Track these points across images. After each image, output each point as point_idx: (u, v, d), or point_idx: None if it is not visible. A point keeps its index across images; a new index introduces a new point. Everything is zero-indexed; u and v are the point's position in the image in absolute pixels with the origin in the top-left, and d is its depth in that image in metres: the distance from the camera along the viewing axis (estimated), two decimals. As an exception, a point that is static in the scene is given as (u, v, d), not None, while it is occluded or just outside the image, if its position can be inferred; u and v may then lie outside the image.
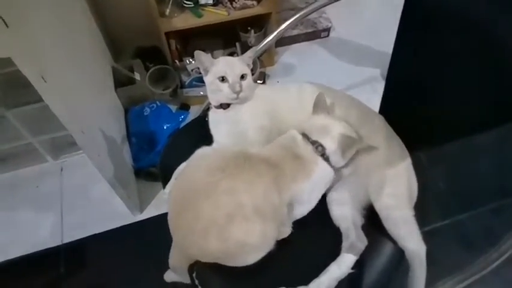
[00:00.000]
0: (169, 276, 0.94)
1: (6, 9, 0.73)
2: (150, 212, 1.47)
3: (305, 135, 0.78)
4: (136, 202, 1.46)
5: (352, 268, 0.76)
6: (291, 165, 0.73)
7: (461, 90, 0.82)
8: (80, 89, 1.20)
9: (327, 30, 2.06)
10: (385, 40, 0.95)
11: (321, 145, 0.76)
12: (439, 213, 1.48)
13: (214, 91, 0.85)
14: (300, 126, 0.80)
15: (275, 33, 1.11)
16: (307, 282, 0.74)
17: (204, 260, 0.72)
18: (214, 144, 0.91)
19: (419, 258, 0.81)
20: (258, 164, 0.72)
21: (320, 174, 0.75)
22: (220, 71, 0.83)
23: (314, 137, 0.77)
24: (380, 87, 1.03)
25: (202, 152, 0.87)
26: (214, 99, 0.87)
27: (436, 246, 1.37)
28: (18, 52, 0.78)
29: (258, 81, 1.85)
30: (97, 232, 1.43)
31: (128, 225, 1.43)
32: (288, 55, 2.01)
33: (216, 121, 0.91)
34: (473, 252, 1.32)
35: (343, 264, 0.76)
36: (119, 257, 1.37)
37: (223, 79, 0.83)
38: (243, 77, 0.84)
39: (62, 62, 1.07)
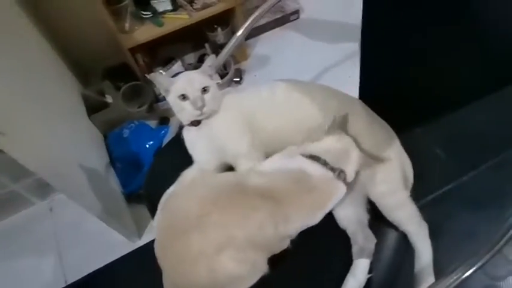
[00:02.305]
0: None
1: None
2: (148, 236, 1.43)
3: (321, 160, 0.72)
4: (133, 229, 1.42)
5: (369, 272, 0.73)
6: (305, 199, 0.70)
7: (444, 54, 0.77)
8: (49, 129, 1.14)
9: (296, 12, 1.99)
10: (358, 12, 0.89)
11: (343, 171, 0.72)
12: (442, 180, 1.45)
13: (178, 111, 0.81)
14: (305, 147, 0.75)
15: (241, 31, 1.04)
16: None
17: None
18: (195, 165, 0.86)
19: (423, 238, 0.79)
20: (254, 197, 0.67)
21: (337, 199, 0.73)
22: (179, 89, 0.78)
23: (336, 164, 0.72)
24: (360, 62, 0.98)
25: (188, 177, 0.83)
26: (181, 118, 0.83)
27: (442, 213, 1.35)
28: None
29: (235, 79, 1.79)
30: (99, 266, 1.39)
31: (128, 254, 1.39)
32: (261, 46, 1.95)
33: (192, 140, 0.86)
34: (482, 213, 1.29)
35: (359, 273, 0.73)
36: (125, 287, 1.33)
37: (184, 97, 0.78)
38: (205, 89, 0.78)
39: (23, 110, 1.01)
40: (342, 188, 0.72)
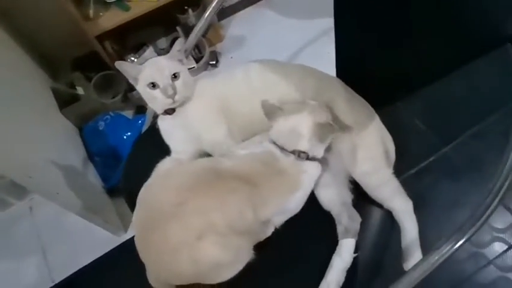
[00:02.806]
0: None
1: None
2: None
3: (280, 147, 0.71)
4: (118, 223, 1.39)
5: (355, 252, 0.73)
6: (276, 181, 0.68)
7: (418, 28, 0.76)
8: (16, 128, 1.08)
9: (269, -12, 1.93)
10: None
11: (302, 152, 0.70)
12: (423, 152, 1.47)
13: (150, 100, 0.77)
14: (265, 136, 0.74)
15: (208, 11, 0.99)
16: (314, 281, 0.70)
17: (177, 282, 0.68)
18: (173, 154, 0.83)
19: (408, 214, 0.80)
20: (230, 180, 0.66)
21: (310, 179, 0.71)
22: (148, 77, 0.75)
23: (290, 147, 0.70)
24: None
25: (163, 167, 0.81)
26: (154, 107, 0.79)
27: (426, 186, 1.37)
28: None
29: (211, 62, 1.74)
30: (86, 263, 1.37)
31: (114, 249, 1.37)
32: (235, 26, 1.89)
33: (167, 129, 0.84)
34: (464, 181, 1.32)
35: (344, 253, 0.73)
36: (114, 282, 1.31)
37: (154, 85, 0.74)
38: (175, 76, 0.74)
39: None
40: (312, 168, 0.71)
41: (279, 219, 0.71)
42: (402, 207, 0.79)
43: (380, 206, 0.80)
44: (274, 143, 0.72)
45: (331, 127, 0.71)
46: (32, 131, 1.19)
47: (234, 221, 0.64)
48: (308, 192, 0.72)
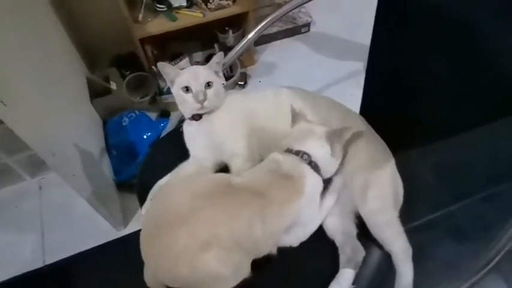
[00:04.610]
0: None
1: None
2: (134, 225, 1.43)
3: (288, 150, 0.74)
4: (120, 217, 1.42)
5: (353, 283, 0.73)
6: (281, 188, 0.69)
7: (445, 82, 0.79)
8: (50, 106, 1.14)
9: (307, 25, 2.02)
10: (367, 32, 0.91)
11: (305, 153, 0.72)
12: (430, 207, 1.46)
13: (181, 102, 0.82)
14: (280, 145, 0.76)
15: (251, 34, 1.06)
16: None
17: (171, 284, 0.68)
18: (190, 159, 0.87)
19: (405, 260, 0.79)
20: (241, 193, 0.68)
21: (312, 186, 0.71)
22: (183, 81, 0.79)
23: (296, 147, 0.73)
24: (363, 81, 0.99)
25: (184, 170, 0.84)
26: (183, 110, 0.84)
27: (428, 240, 1.35)
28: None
29: (239, 83, 1.81)
30: (80, 250, 1.38)
31: (111, 241, 1.38)
32: (269, 53, 1.97)
33: (191, 134, 0.87)
34: (467, 244, 1.30)
35: (343, 281, 0.73)
36: (104, 275, 1.31)
37: (187, 89, 0.79)
38: (209, 85, 0.79)
39: (27, 82, 1.02)
40: (313, 176, 0.72)
41: (291, 238, 0.71)
42: (401, 251, 0.79)
43: (380, 246, 0.81)
44: (285, 149, 0.74)
45: (342, 132, 0.72)
46: (62, 112, 1.25)
47: (241, 236, 0.65)
48: (313, 203, 0.72)
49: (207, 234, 0.63)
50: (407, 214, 0.86)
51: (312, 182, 0.72)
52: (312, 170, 0.72)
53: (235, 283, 0.66)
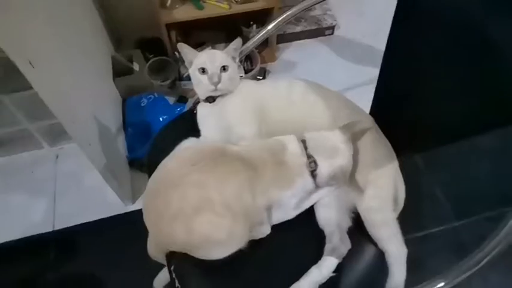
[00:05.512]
0: (158, 283, 0.97)
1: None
2: (142, 202, 1.47)
3: (303, 143, 0.76)
4: (129, 192, 1.46)
5: (334, 271, 0.75)
6: (273, 171, 0.72)
7: (457, 92, 0.79)
8: (75, 77, 1.19)
9: (332, 28, 2.03)
10: None
11: (315, 162, 0.74)
12: (434, 219, 1.46)
13: (196, 83, 0.85)
14: (303, 133, 0.78)
15: (271, 26, 1.07)
16: (287, 285, 0.73)
17: (171, 248, 0.72)
18: (201, 139, 0.90)
19: (399, 261, 0.80)
20: (233, 161, 0.71)
21: (302, 187, 0.75)
22: (200, 63, 0.83)
23: (314, 152, 0.75)
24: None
25: (186, 144, 0.87)
26: (198, 91, 0.87)
27: (428, 251, 1.35)
28: (4, 37, 0.77)
29: (258, 77, 1.83)
30: (88, 220, 1.44)
31: (118, 215, 1.43)
32: (290, 52, 1.99)
33: (203, 115, 0.90)
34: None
35: (324, 268, 0.75)
36: (107, 247, 1.37)
37: (203, 71, 0.82)
38: (224, 68, 0.83)
39: (55, 49, 1.06)
40: (306, 179, 0.74)
41: (276, 216, 0.74)
42: (396, 251, 0.80)
43: (376, 244, 0.82)
44: (303, 139, 0.76)
45: (345, 177, 0.76)
46: (85, 85, 1.30)
47: (231, 201, 0.67)
48: (297, 198, 0.75)
49: (198, 197, 0.66)
50: (410, 223, 0.86)
51: (304, 184, 0.75)
52: (309, 176, 0.75)
53: (230, 250, 0.68)
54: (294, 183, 0.73)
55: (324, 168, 0.75)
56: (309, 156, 0.74)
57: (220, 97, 0.86)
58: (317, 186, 0.77)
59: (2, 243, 1.39)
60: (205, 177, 0.68)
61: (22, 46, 0.83)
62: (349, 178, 0.80)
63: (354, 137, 0.80)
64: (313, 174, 0.75)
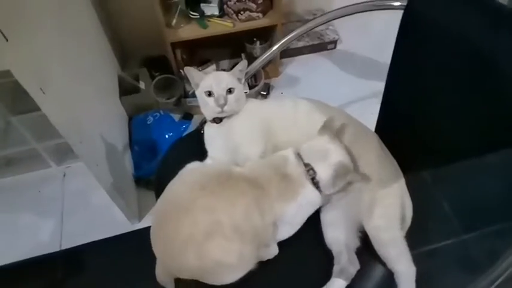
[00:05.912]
0: None
1: (6, 22, 0.75)
2: (148, 220, 1.47)
3: (299, 156, 0.77)
4: (135, 211, 1.47)
5: None
6: (277, 185, 0.73)
7: (463, 107, 0.80)
8: (82, 98, 1.22)
9: (334, 42, 2.05)
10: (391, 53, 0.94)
11: (313, 169, 0.75)
12: (441, 233, 1.44)
13: (203, 105, 0.86)
14: (298, 146, 0.79)
15: (275, 47, 1.10)
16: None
17: (182, 276, 0.72)
18: (207, 160, 0.91)
19: (409, 280, 0.79)
20: (239, 183, 0.71)
21: (306, 198, 0.74)
22: (206, 86, 0.84)
23: (308, 160, 0.76)
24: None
25: (191, 167, 0.87)
26: (205, 113, 0.89)
27: (436, 266, 1.33)
28: (17, 65, 0.79)
29: (262, 93, 1.85)
30: (95, 239, 1.44)
31: (125, 233, 1.43)
32: (293, 67, 2.01)
33: (210, 136, 0.91)
34: (475, 275, 1.27)
35: None
36: (115, 266, 1.36)
37: (210, 93, 0.84)
38: (230, 90, 0.84)
39: (64, 73, 1.09)
40: (308, 188, 0.74)
41: (281, 231, 0.74)
42: (405, 271, 0.79)
43: (384, 264, 0.81)
44: (298, 152, 0.76)
45: (349, 171, 0.75)
46: (92, 104, 1.32)
47: (241, 223, 0.67)
48: (302, 212, 0.75)
49: (208, 222, 0.66)
50: (417, 238, 0.86)
51: (307, 194, 0.75)
52: (310, 185, 0.75)
53: (241, 273, 0.68)
54: (297, 194, 0.74)
55: (323, 172, 0.75)
56: (306, 165, 0.75)
57: (227, 118, 0.87)
58: (325, 193, 0.77)
59: (10, 263, 1.39)
60: (214, 201, 0.68)
61: (34, 74, 0.85)
62: (358, 197, 0.80)
63: (337, 133, 0.81)
64: (314, 182, 0.75)
